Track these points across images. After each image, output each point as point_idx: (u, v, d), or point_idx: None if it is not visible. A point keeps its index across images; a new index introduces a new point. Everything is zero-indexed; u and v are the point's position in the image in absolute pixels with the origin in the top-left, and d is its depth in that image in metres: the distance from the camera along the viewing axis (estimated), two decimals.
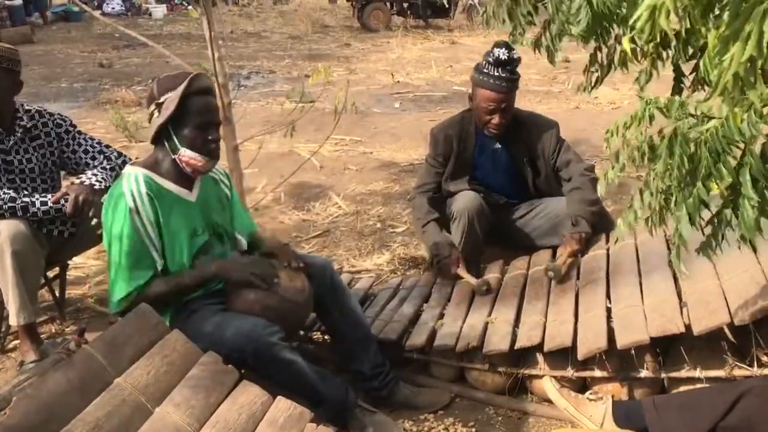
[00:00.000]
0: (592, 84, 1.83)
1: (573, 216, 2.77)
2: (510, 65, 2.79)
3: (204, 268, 2.15)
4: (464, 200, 2.87)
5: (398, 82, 8.57)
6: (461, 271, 2.73)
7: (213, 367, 1.75)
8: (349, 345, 2.34)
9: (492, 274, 2.74)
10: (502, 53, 2.78)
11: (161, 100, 2.09)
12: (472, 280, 2.69)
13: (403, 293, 2.82)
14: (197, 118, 2.10)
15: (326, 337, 2.58)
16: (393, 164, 5.16)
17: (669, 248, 2.41)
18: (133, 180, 2.09)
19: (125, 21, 15.23)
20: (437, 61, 9.72)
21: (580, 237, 2.69)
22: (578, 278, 2.51)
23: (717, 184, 1.27)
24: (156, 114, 2.10)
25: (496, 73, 2.79)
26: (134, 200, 2.05)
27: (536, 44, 1.73)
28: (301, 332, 2.59)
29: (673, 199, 1.31)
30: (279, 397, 1.73)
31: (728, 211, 1.32)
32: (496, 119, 2.85)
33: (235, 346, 1.96)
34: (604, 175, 1.43)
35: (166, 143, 2.13)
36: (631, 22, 1.18)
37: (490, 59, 2.80)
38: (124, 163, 2.75)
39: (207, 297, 2.19)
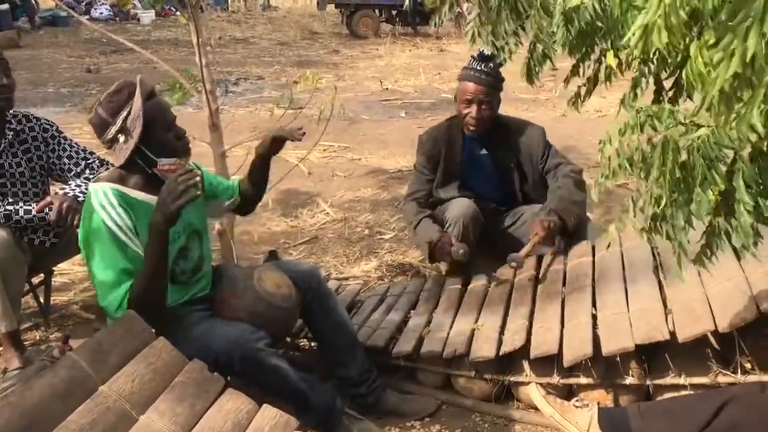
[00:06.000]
0: (582, 99, 1.84)
1: (546, 207, 2.78)
2: (492, 61, 2.86)
3: (151, 232, 1.93)
4: (459, 207, 2.88)
5: (387, 89, 8.59)
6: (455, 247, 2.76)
7: (198, 375, 1.73)
8: (335, 351, 2.33)
9: (480, 282, 2.75)
10: (485, 49, 2.85)
11: (119, 123, 1.98)
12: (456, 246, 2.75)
13: (390, 300, 2.82)
14: (161, 121, 2.03)
15: (313, 343, 2.58)
16: (381, 171, 5.17)
17: (654, 256, 2.43)
18: (102, 195, 1.97)
19: (113, 26, 15.11)
20: (425, 69, 9.76)
21: (547, 225, 2.70)
22: (564, 285, 2.52)
23: (713, 191, 1.27)
24: (121, 139, 1.99)
25: (478, 67, 2.88)
26: (109, 214, 1.95)
27: (528, 71, 1.77)
28: (288, 339, 2.58)
29: (668, 206, 1.31)
30: (265, 405, 1.71)
31: (721, 220, 1.32)
32: (473, 112, 2.89)
33: (223, 352, 1.94)
34: (595, 182, 1.44)
35: (139, 161, 2.03)
36: (624, 41, 1.19)
37: (474, 55, 2.89)
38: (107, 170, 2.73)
39: (194, 303, 2.17)
